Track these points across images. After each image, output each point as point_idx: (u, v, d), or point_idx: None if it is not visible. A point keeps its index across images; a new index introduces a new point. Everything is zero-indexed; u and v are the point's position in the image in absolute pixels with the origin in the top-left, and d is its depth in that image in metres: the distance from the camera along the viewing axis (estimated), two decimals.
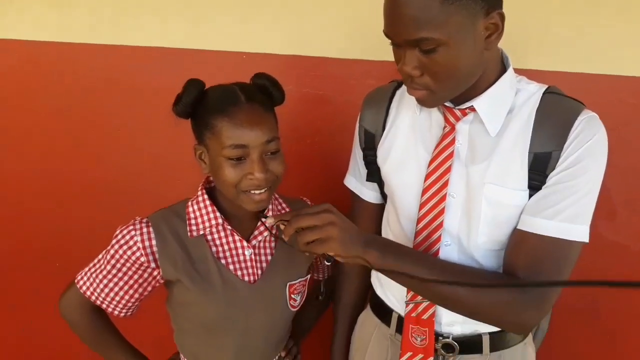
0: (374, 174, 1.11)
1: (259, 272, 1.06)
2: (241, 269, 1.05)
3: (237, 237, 1.04)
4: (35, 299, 1.80)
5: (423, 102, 0.93)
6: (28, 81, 1.58)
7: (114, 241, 1.02)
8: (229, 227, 1.04)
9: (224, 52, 1.44)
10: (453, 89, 0.90)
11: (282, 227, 0.93)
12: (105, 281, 1.04)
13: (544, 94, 0.94)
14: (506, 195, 0.91)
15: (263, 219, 1.00)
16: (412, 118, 1.04)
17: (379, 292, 1.15)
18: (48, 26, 1.52)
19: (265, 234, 1.06)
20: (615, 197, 1.40)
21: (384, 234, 1.14)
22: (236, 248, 1.05)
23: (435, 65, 0.84)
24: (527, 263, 0.90)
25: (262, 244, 1.08)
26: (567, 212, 0.87)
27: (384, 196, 1.14)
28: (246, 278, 1.05)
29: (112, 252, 1.02)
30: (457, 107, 0.95)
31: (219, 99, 0.95)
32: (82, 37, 1.51)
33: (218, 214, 1.03)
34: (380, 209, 1.17)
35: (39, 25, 1.52)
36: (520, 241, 0.91)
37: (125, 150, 1.59)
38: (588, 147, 0.87)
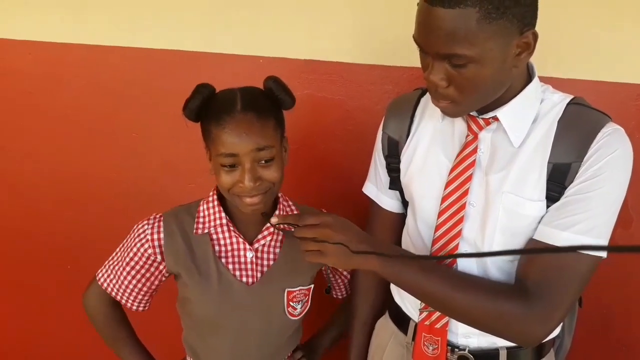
0: (396, 182, 1.10)
1: (259, 275, 1.08)
2: (240, 269, 1.07)
3: (240, 239, 1.07)
4: (44, 300, 1.80)
5: (446, 112, 0.93)
6: (44, 83, 1.58)
7: (129, 234, 1.09)
8: (233, 228, 1.07)
9: (241, 56, 1.43)
10: (478, 102, 0.90)
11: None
12: (118, 273, 1.10)
13: (568, 104, 0.92)
14: (523, 205, 0.90)
15: (267, 219, 1.00)
16: (435, 125, 1.03)
17: (397, 299, 1.14)
18: (63, 28, 1.52)
19: (269, 238, 1.09)
20: (632, 204, 1.37)
21: (403, 241, 1.14)
22: (238, 249, 1.08)
23: (463, 79, 0.84)
24: (537, 274, 0.89)
25: (265, 248, 1.09)
26: (582, 225, 0.86)
27: (405, 204, 1.12)
28: (244, 279, 1.07)
29: (127, 244, 1.09)
30: (480, 116, 0.95)
31: (217, 107, 0.97)
32: (97, 39, 1.51)
33: (224, 214, 1.07)
34: (399, 218, 1.15)
35: (53, 26, 1.52)
36: None
37: (140, 153, 1.59)
38: (609, 160, 0.85)
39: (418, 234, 1.05)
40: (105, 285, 1.12)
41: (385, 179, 1.13)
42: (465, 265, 0.98)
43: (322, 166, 1.48)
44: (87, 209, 1.66)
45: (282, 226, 1.01)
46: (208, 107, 0.98)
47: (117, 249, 1.13)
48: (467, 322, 0.94)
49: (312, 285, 1.14)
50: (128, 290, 1.11)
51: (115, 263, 1.11)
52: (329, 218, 0.91)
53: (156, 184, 1.60)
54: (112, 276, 1.12)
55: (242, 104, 0.96)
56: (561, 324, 1.03)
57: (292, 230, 0.96)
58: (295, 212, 1.14)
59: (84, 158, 1.63)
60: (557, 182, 0.88)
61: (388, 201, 1.14)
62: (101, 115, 1.58)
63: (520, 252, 0.94)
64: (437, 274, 0.92)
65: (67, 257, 1.72)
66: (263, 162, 0.97)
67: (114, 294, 1.12)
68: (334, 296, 1.29)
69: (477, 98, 0.88)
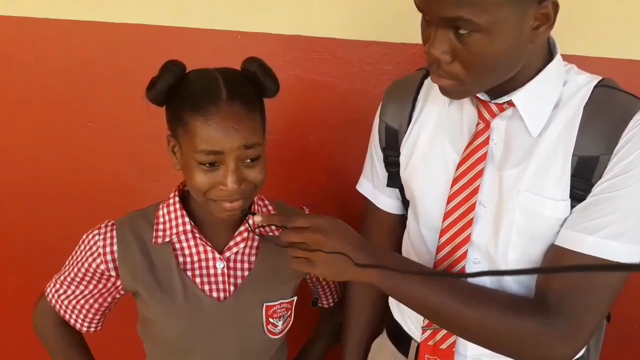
0: (395, 178, 1.04)
1: (231, 288, 1.02)
2: (210, 283, 1.02)
3: (208, 247, 1.01)
4: None
5: (447, 93, 0.87)
6: None
7: (78, 246, 1.03)
8: (199, 235, 1.01)
9: (216, 31, 1.36)
10: (486, 83, 0.85)
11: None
12: (68, 291, 1.05)
13: (595, 87, 0.87)
14: (543, 205, 0.85)
15: (249, 218, 0.95)
16: (441, 110, 0.97)
17: (396, 315, 1.09)
18: None
19: (242, 245, 1.03)
20: None
21: (403, 247, 1.09)
22: (206, 260, 1.02)
23: (469, 52, 0.78)
24: (560, 286, 0.84)
25: (239, 257, 1.03)
26: (612, 228, 0.81)
27: (405, 205, 1.07)
28: (215, 294, 1.01)
29: (75, 257, 1.04)
30: (493, 101, 0.89)
31: (197, 93, 0.90)
32: (50, 12, 1.42)
33: (187, 219, 1.00)
34: (398, 220, 1.10)
35: None
36: (555, 259, 0.86)
37: (98, 146, 1.51)
38: None
39: (421, 239, 1.00)
40: (53, 302, 1.07)
41: (382, 174, 1.07)
42: None
43: (310, 159, 1.43)
44: (35, 209, 1.58)
45: (260, 230, 0.98)
46: (179, 89, 0.91)
47: (67, 261, 1.06)
48: (478, 341, 0.89)
49: (295, 298, 1.08)
50: (77, 310, 1.06)
51: (63, 278, 1.06)
52: (322, 220, 0.86)
53: (117, 181, 1.52)
54: (60, 292, 1.06)
55: (227, 92, 0.89)
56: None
57: (270, 234, 0.93)
58: (271, 210, 1.09)
59: (31, 151, 1.54)
60: (583, 179, 0.83)
61: (386, 200, 1.08)
62: (53, 101, 1.49)
63: (542, 270, 0.89)
64: (444, 286, 0.87)
65: (12, 269, 1.64)
66: (248, 161, 0.91)
67: (62, 312, 1.07)
68: (321, 305, 1.24)
69: (485, 77, 0.83)
